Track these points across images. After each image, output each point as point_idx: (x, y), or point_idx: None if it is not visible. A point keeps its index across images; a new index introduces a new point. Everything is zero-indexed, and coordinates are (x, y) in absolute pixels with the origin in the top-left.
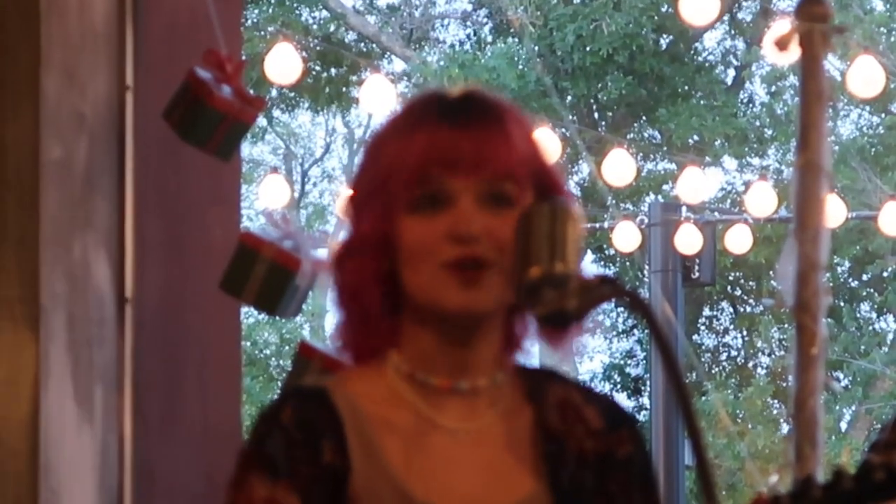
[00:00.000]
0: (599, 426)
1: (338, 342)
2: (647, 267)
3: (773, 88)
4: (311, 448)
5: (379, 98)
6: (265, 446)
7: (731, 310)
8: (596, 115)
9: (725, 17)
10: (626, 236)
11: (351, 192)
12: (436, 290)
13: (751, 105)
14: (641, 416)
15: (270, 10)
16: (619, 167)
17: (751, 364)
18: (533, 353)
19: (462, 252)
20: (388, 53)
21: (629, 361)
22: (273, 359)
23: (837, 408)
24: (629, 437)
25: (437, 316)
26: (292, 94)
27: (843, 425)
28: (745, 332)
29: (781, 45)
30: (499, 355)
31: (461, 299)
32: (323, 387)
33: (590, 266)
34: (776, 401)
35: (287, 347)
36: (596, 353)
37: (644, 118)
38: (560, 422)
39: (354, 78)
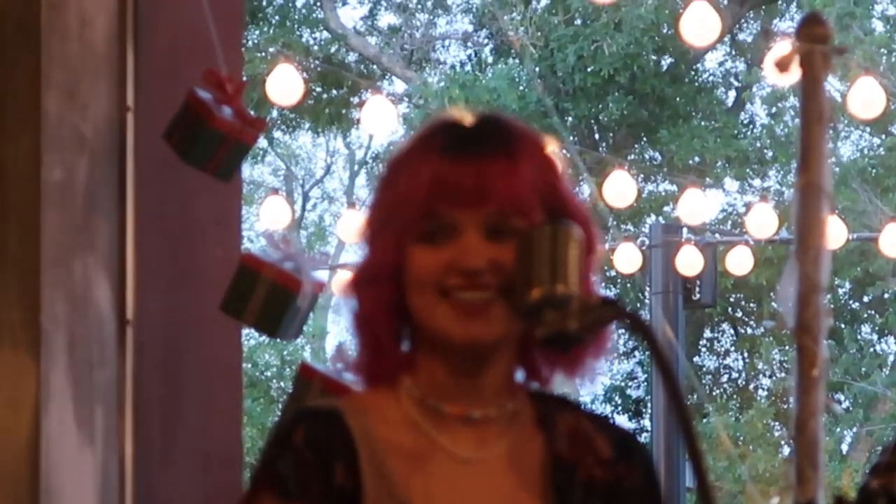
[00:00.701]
0: (609, 455)
1: (352, 366)
2: (647, 288)
3: (774, 109)
4: (323, 469)
5: (380, 119)
6: (276, 467)
7: (732, 331)
8: (597, 135)
9: (726, 38)
10: (626, 258)
11: (366, 217)
12: (439, 320)
13: (751, 126)
14: (642, 439)
15: (271, 31)
16: (620, 188)
17: (752, 386)
18: (555, 382)
19: (465, 283)
20: (389, 74)
21: (630, 383)
22: (274, 381)
23: (838, 430)
24: (639, 467)
25: (444, 345)
26: (293, 115)
27: (845, 447)
28: (746, 354)
29: (782, 66)
30: (509, 384)
31: (464, 330)
32: (336, 407)
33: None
34: (777, 423)
35: (288, 369)
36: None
37: (645, 139)
38: (570, 450)
39: (355, 99)
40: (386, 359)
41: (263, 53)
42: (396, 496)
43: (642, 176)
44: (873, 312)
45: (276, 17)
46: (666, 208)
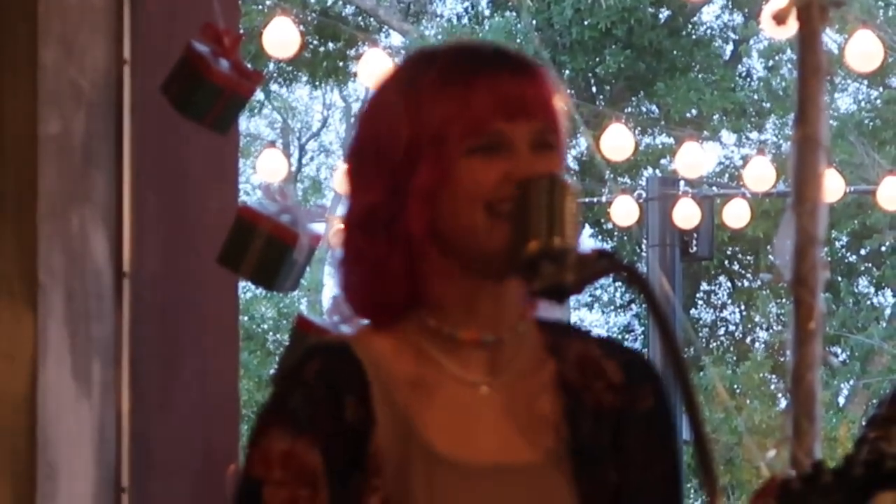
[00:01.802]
0: (619, 380)
1: (350, 305)
2: (644, 241)
3: (771, 63)
4: (334, 404)
5: (377, 72)
6: (287, 402)
7: (729, 284)
8: (594, 89)
9: None
10: (623, 211)
11: (372, 149)
12: (491, 235)
13: (749, 79)
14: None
15: None
16: (618, 141)
17: (748, 339)
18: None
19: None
20: (386, 27)
21: (627, 336)
22: (270, 333)
23: (835, 383)
24: (651, 392)
25: (484, 264)
26: (290, 68)
27: (841, 400)
28: (742, 307)
29: (779, 19)
30: (520, 308)
31: (495, 238)
32: (346, 342)
33: (588, 240)
34: (774, 376)
35: (284, 322)
36: (594, 328)
37: (642, 92)
38: (579, 377)
39: (352, 52)
40: (398, 293)
41: (260, 6)
42: (409, 428)
43: (639, 129)
44: (870, 265)
45: None
46: (663, 161)
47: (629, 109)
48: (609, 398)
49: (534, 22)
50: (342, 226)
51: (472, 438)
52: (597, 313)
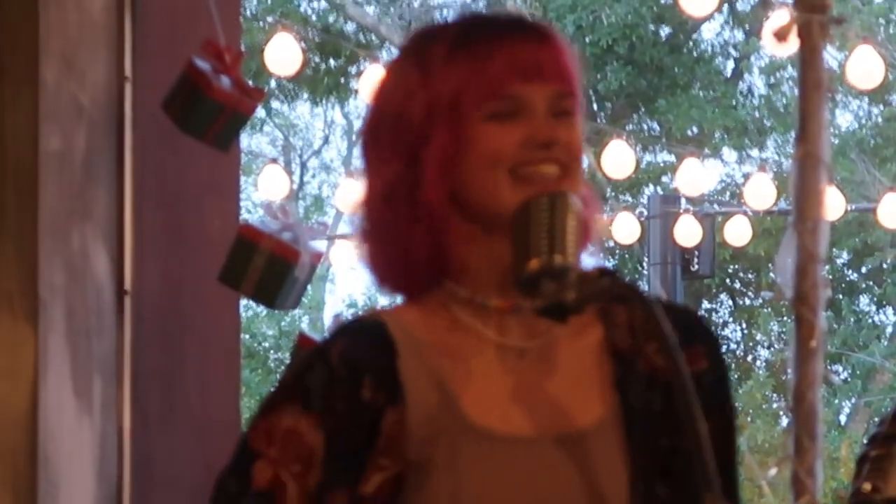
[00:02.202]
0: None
1: (377, 279)
2: (646, 259)
3: (772, 79)
4: (351, 385)
5: None
6: (305, 378)
7: (730, 302)
8: (595, 106)
9: (724, 8)
10: (625, 228)
11: (395, 121)
12: (504, 195)
13: (750, 96)
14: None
15: (269, 1)
16: (619, 159)
17: (750, 357)
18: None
19: (543, 156)
20: (387, 44)
21: None
22: (272, 351)
23: (836, 401)
24: (705, 353)
25: (503, 223)
26: (291, 85)
27: (843, 418)
28: (744, 325)
29: (780, 35)
30: None
31: (515, 200)
32: (380, 319)
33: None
34: (776, 394)
35: (285, 340)
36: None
37: (643, 109)
38: (630, 341)
39: (353, 69)
40: (423, 263)
41: (262, 23)
42: (446, 397)
43: (641, 146)
44: (871, 283)
45: None
46: (664, 179)
47: (630, 126)
48: (661, 361)
49: None
50: (362, 203)
51: (511, 407)
52: None
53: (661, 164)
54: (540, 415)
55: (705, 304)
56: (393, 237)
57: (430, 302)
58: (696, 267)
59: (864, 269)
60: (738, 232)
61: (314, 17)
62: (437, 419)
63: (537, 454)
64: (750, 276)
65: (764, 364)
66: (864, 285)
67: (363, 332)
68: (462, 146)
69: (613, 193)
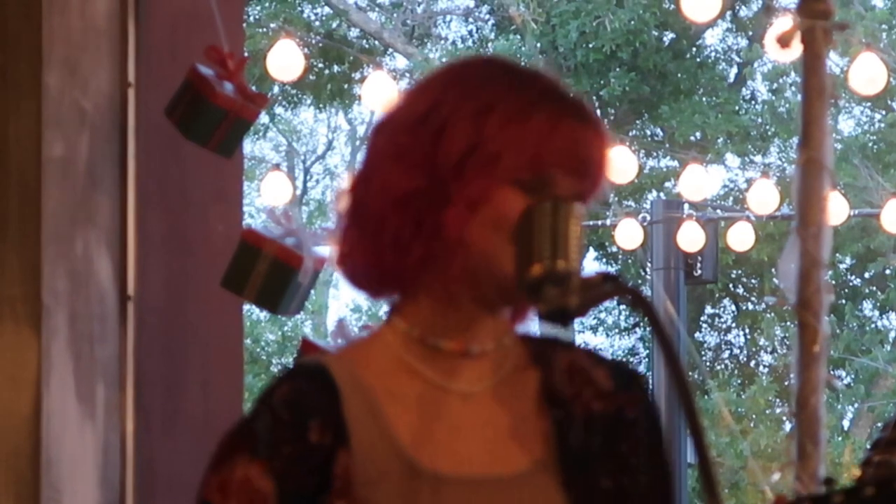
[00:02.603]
0: (609, 387)
1: (346, 265)
2: (649, 264)
3: (775, 85)
4: (298, 429)
5: (381, 95)
6: (252, 425)
7: (734, 308)
8: (598, 111)
9: (727, 14)
10: (628, 233)
11: (447, 151)
12: (493, 254)
13: (753, 102)
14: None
15: (272, 7)
16: (622, 164)
17: (753, 362)
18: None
19: None
20: (391, 50)
21: (631, 359)
22: (275, 356)
23: (840, 406)
24: (639, 398)
25: (489, 285)
26: (294, 91)
27: (846, 423)
28: (747, 331)
29: (783, 42)
30: (506, 320)
31: (512, 268)
32: (321, 363)
33: (592, 263)
34: (779, 399)
35: (288, 345)
36: (598, 351)
37: (646, 115)
38: (568, 386)
39: (357, 75)
40: (401, 279)
41: (265, 29)
42: (391, 442)
43: (644, 152)
44: (874, 288)
45: None
46: (667, 184)
47: (633, 132)
48: (599, 405)
49: (538, 45)
50: (365, 192)
51: (458, 450)
52: (601, 336)
53: (665, 170)
54: (481, 458)
55: (708, 310)
56: (389, 241)
57: (375, 343)
58: (700, 272)
59: (867, 275)
60: (741, 237)
61: (317, 23)
62: (380, 462)
63: (479, 496)
64: (753, 281)
65: (767, 369)
66: (867, 290)
67: (306, 375)
68: (487, 199)
69: (616, 199)
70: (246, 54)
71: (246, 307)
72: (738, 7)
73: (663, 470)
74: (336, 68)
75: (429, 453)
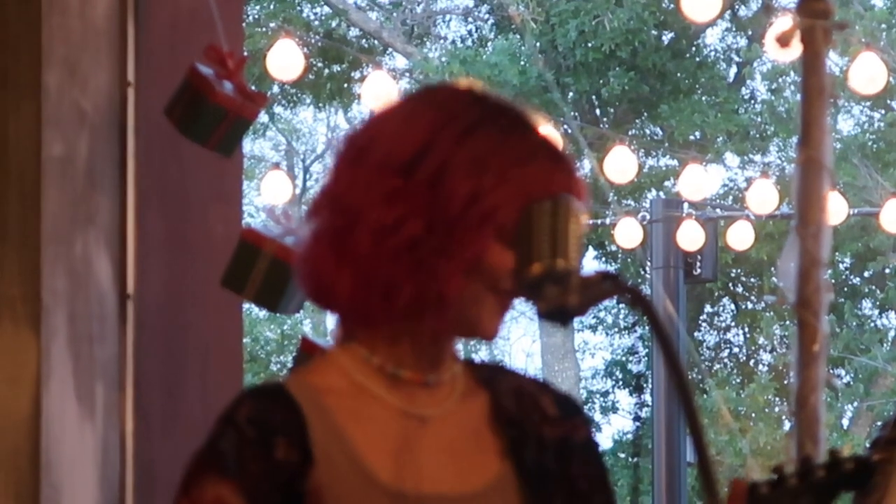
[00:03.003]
0: (554, 413)
1: (320, 290)
2: (648, 263)
3: (775, 85)
4: (264, 446)
5: (381, 94)
6: (218, 445)
7: (733, 306)
8: (598, 111)
9: (727, 14)
10: (627, 233)
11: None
12: (479, 310)
13: (752, 101)
14: (643, 413)
15: (272, 6)
16: (621, 163)
17: (752, 361)
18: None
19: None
20: (390, 49)
21: (631, 358)
22: (274, 355)
23: (839, 405)
24: (583, 424)
25: (458, 329)
26: (294, 91)
27: (845, 422)
28: (746, 329)
29: (783, 41)
30: (454, 348)
31: (494, 326)
32: (279, 384)
33: (591, 262)
34: (778, 398)
35: (287, 344)
36: (597, 350)
37: (646, 114)
38: (517, 408)
39: (356, 74)
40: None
41: (264, 28)
42: (354, 462)
43: (643, 151)
44: (874, 288)
45: None
46: (667, 183)
47: (633, 131)
48: (547, 430)
49: (537, 44)
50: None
51: (420, 469)
52: (600, 335)
53: (664, 169)
54: (446, 477)
55: (708, 308)
56: (381, 281)
57: (330, 367)
58: (699, 271)
59: (866, 274)
60: (740, 236)
61: (317, 23)
62: (346, 481)
63: None
64: (752, 280)
65: (766, 368)
66: (866, 289)
67: (267, 395)
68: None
69: (616, 198)
70: (245, 54)
71: (245, 306)
72: (737, 6)
73: (609, 494)
74: (335, 68)
75: (391, 472)
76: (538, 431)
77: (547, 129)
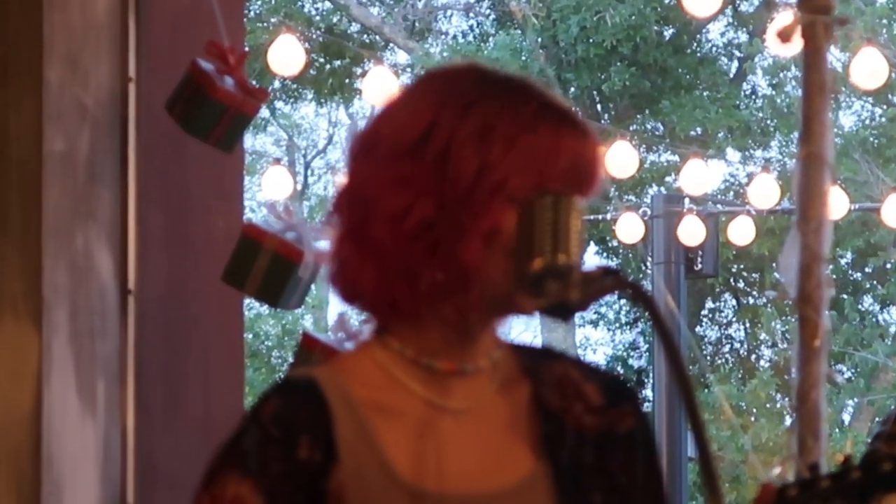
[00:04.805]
0: (599, 402)
1: (349, 288)
2: (649, 258)
3: (776, 80)
4: (287, 445)
5: (382, 89)
6: (241, 442)
7: (734, 302)
8: (599, 106)
9: (728, 9)
10: (628, 228)
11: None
12: (506, 283)
13: (753, 97)
14: (644, 409)
15: (273, 1)
16: (622, 159)
17: (753, 357)
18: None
19: None
20: (391, 45)
21: (632, 353)
22: (275, 350)
23: (840, 400)
24: (630, 412)
25: (501, 305)
26: (295, 86)
27: (846, 417)
28: (747, 325)
29: (784, 36)
30: (496, 334)
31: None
32: (311, 378)
33: (593, 257)
34: (779, 393)
35: (288, 339)
36: (599, 346)
37: (647, 110)
38: (558, 399)
39: (358, 69)
40: (409, 303)
41: (265, 24)
42: (379, 458)
43: (644, 146)
44: (875, 283)
45: None
46: (668, 179)
47: (634, 127)
48: (589, 420)
49: (539, 40)
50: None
51: (447, 466)
52: (602, 331)
53: (665, 164)
54: (473, 475)
55: (709, 304)
56: (401, 267)
57: (363, 358)
58: (700, 266)
59: (867, 269)
60: (741, 231)
61: (318, 18)
62: (369, 479)
63: None
64: (754, 275)
65: (768, 363)
66: (867, 285)
67: (296, 391)
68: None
69: (617, 193)
70: (246, 49)
71: (246, 301)
72: (738, 2)
73: (657, 486)
74: (337, 63)
75: (420, 472)
76: (578, 423)
77: (554, 94)
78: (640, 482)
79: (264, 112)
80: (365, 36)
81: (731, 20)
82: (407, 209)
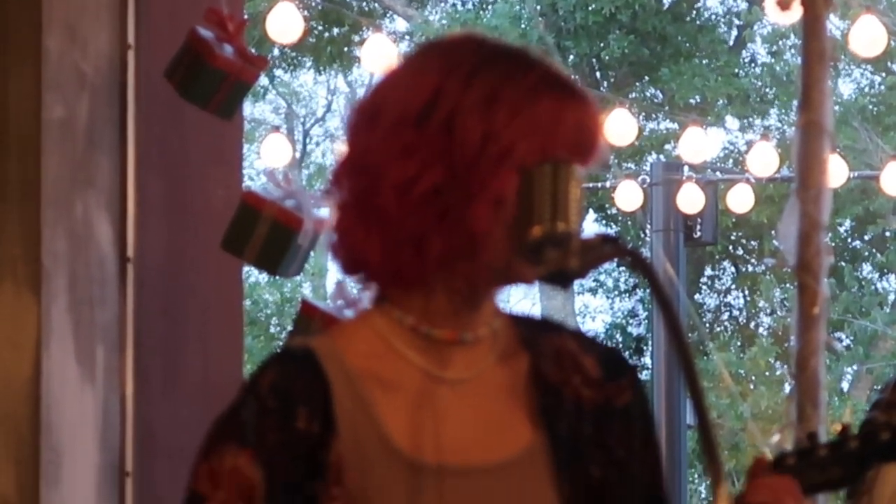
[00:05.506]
0: (597, 375)
1: (352, 255)
2: (648, 226)
3: (775, 48)
4: (283, 415)
5: (381, 57)
6: (239, 413)
7: (733, 269)
8: (598, 74)
9: None
10: (627, 196)
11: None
12: (510, 251)
13: (752, 65)
14: (643, 376)
15: None
16: (621, 126)
17: (752, 324)
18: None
19: None
20: (390, 13)
21: (631, 321)
22: (274, 318)
23: (839, 368)
24: (628, 386)
25: (495, 276)
26: (294, 54)
27: (845, 385)
28: (746, 292)
29: (783, 4)
30: (495, 303)
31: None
32: (309, 348)
33: (592, 225)
34: (778, 361)
35: (287, 307)
36: (598, 313)
37: (646, 77)
38: (556, 371)
39: (356, 37)
40: (416, 270)
41: None
42: (377, 429)
43: (643, 114)
44: (874, 251)
45: None
46: (667, 146)
47: (633, 95)
48: (587, 393)
49: (538, 7)
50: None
51: (445, 437)
52: (601, 298)
53: (664, 132)
54: (472, 446)
55: (708, 271)
56: (407, 235)
57: (362, 327)
58: (699, 234)
59: (866, 237)
60: (740, 199)
61: None
62: (368, 451)
63: (467, 485)
64: (753, 243)
65: (767, 331)
66: (866, 253)
67: (293, 362)
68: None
69: (616, 161)
70: (245, 17)
71: (245, 269)
72: None
73: (654, 461)
74: (335, 31)
75: (418, 444)
76: (577, 395)
77: (553, 63)
78: (637, 457)
79: (263, 80)
80: (364, 3)
81: None
82: (415, 177)
